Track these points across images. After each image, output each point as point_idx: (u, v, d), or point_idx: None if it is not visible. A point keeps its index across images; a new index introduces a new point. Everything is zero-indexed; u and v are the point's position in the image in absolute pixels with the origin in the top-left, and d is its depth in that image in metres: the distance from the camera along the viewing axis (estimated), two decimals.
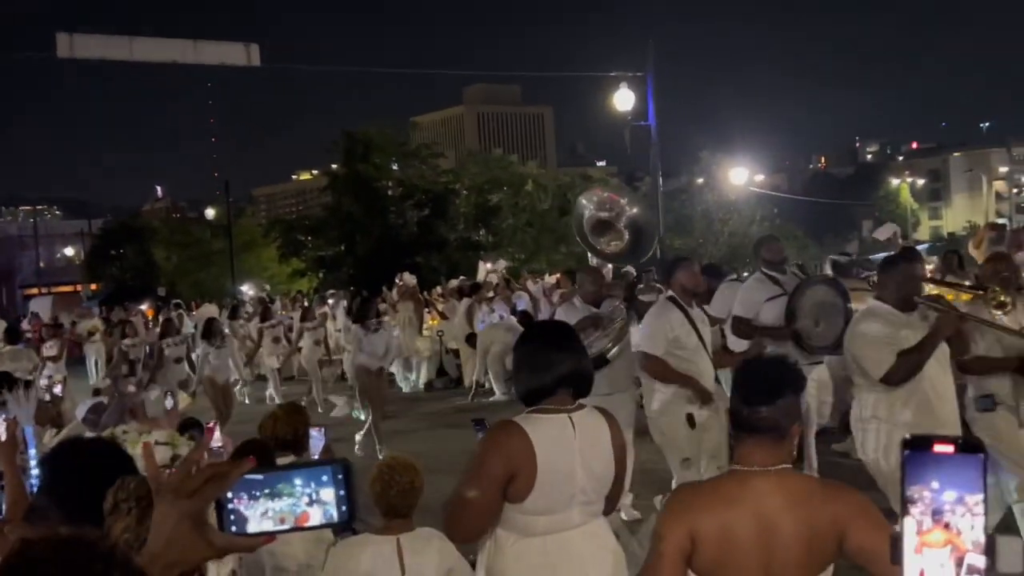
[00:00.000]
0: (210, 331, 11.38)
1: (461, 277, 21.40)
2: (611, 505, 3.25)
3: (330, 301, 20.77)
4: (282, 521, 1.24)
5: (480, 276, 20.62)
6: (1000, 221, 27.02)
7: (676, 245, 31.74)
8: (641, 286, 15.60)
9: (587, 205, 9.30)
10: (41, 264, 62.96)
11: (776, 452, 2.48)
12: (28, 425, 5.21)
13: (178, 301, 25.05)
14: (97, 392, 7.37)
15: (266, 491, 1.23)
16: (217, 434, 4.90)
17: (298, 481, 1.24)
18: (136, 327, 21.20)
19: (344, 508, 1.25)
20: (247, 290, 31.68)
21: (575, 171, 48.52)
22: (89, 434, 6.14)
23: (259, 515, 1.24)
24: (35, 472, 4.64)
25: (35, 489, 4.29)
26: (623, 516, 6.33)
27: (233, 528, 1.24)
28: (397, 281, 19.07)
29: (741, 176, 35.84)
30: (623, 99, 22.29)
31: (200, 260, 42.56)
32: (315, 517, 1.24)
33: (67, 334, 18.89)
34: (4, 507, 3.92)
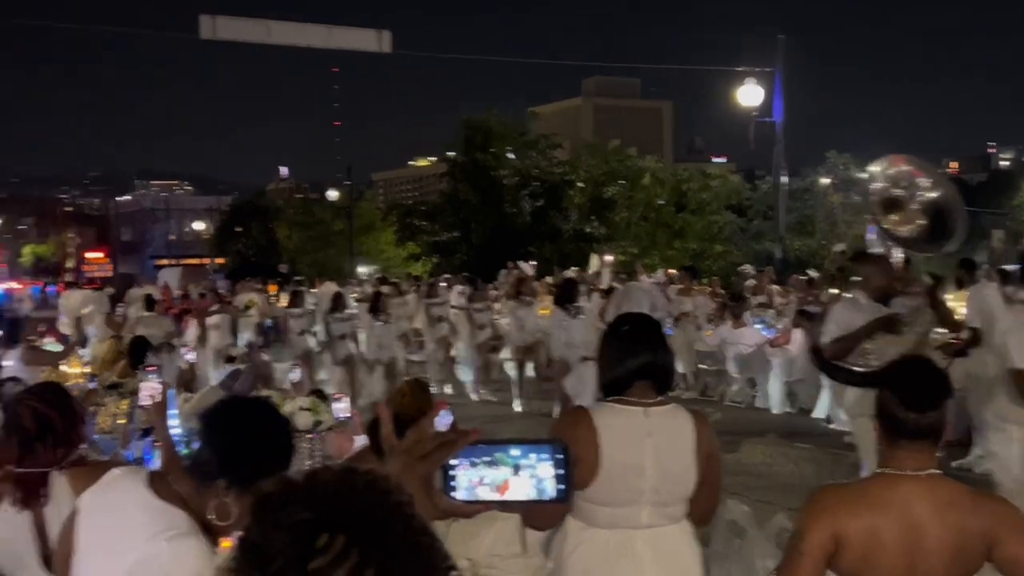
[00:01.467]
0: (376, 306, 11.40)
1: (573, 268, 21.40)
2: (704, 514, 3.16)
3: (442, 285, 21.16)
4: (496, 489, 1.30)
5: (592, 268, 20.61)
6: None
7: (796, 246, 30.93)
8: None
9: (879, 175, 7.64)
10: (172, 237, 65.99)
11: (931, 457, 2.44)
12: (171, 388, 5.54)
13: (300, 278, 25.80)
14: (231, 359, 7.70)
15: (486, 459, 1.29)
16: (346, 403, 5.07)
17: (516, 452, 1.29)
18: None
19: (562, 487, 1.29)
20: (363, 271, 32.42)
21: (693, 166, 47.73)
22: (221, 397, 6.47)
23: (474, 481, 1.30)
24: (177, 430, 4.93)
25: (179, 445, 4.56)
26: None
27: (452, 494, 1.31)
28: (515, 269, 19.24)
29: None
30: (749, 94, 21.89)
31: (320, 240, 43.76)
32: (520, 489, 1.29)
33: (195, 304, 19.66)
34: (159, 459, 4.18)
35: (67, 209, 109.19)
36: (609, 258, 20.97)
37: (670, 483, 3.00)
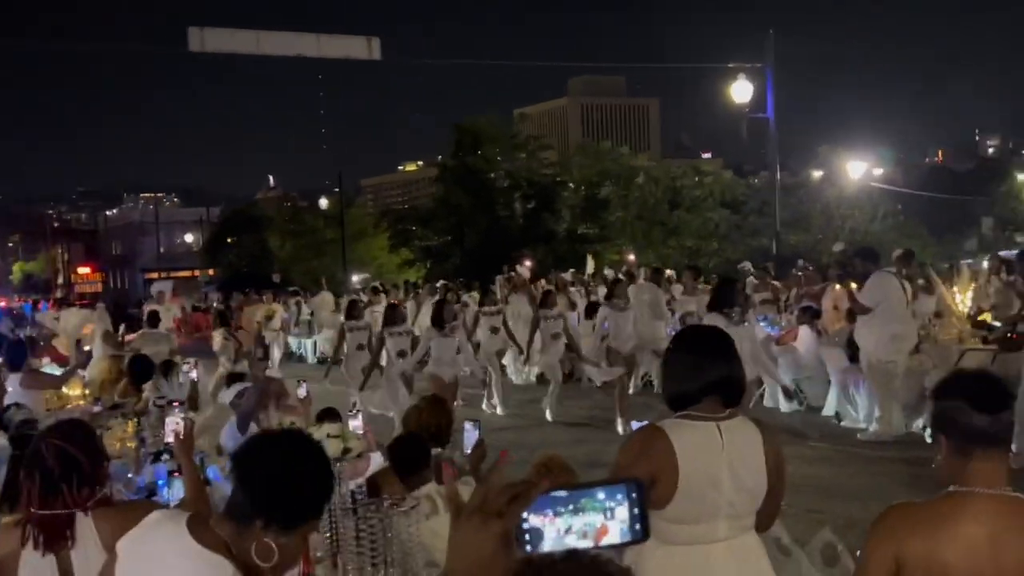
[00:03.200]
0: (441, 317, 10.16)
1: (571, 270, 21.33)
2: (768, 520, 3.14)
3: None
4: (584, 536, 1.23)
5: (589, 269, 20.53)
6: None
7: (793, 241, 30.89)
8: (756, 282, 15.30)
9: None
10: (161, 249, 65.66)
11: (1003, 470, 2.33)
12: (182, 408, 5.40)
13: (295, 288, 25.64)
14: (234, 377, 7.56)
15: (570, 507, 1.23)
16: (360, 419, 4.93)
17: (601, 495, 1.24)
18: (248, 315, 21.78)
19: (638, 526, 1.24)
20: (356, 279, 32.26)
21: (684, 163, 47.74)
22: (233, 418, 6.33)
23: (561, 531, 1.23)
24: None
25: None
26: None
27: (528, 547, 1.24)
28: (512, 271, 19.14)
29: (858, 170, 34.72)
30: (741, 91, 21.82)
31: (313, 248, 43.59)
32: (613, 533, 1.24)
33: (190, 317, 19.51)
34: (179, 489, 4.06)
35: (55, 225, 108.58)
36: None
37: (745, 495, 2.98)
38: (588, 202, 36.82)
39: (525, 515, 1.23)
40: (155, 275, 49.01)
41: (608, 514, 1.23)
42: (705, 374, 2.97)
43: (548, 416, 11.68)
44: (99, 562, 2.76)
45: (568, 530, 1.22)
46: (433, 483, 4.17)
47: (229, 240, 49.87)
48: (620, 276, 15.27)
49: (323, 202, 46.60)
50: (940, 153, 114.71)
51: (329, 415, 5.56)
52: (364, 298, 21.27)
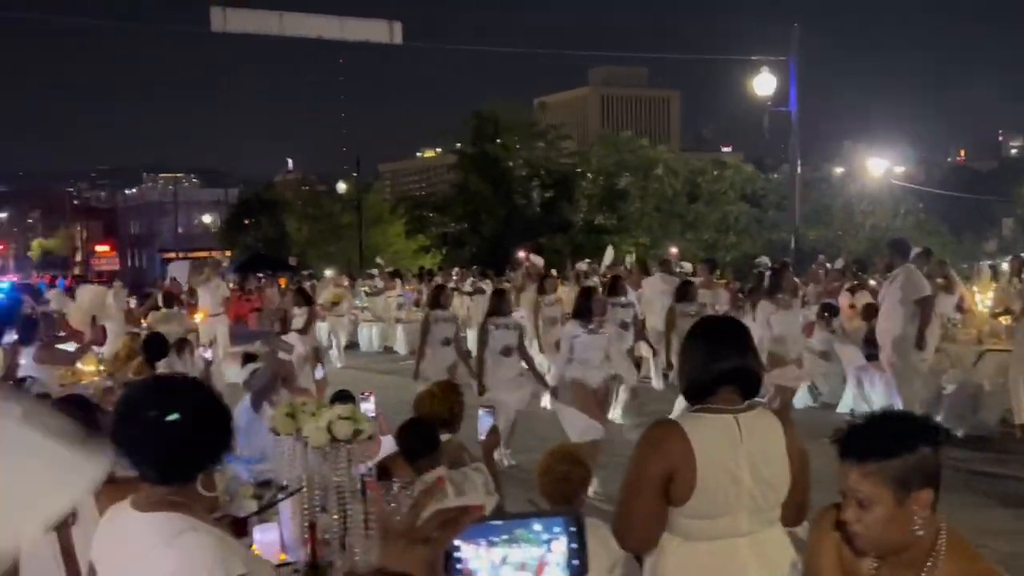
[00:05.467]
0: (588, 308, 7.96)
1: (587, 260, 21.24)
2: (797, 515, 3.07)
3: (454, 277, 21.07)
4: (522, 568, 1.17)
5: (607, 260, 20.43)
6: None
7: (812, 237, 30.67)
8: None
9: None
10: (179, 230, 66.00)
11: None
12: None
13: (311, 271, 25.71)
14: (249, 357, 7.57)
15: (504, 537, 1.17)
16: (372, 402, 4.91)
17: (537, 527, 1.18)
18: (270, 296, 21.85)
19: (576, 561, 1.19)
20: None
21: (706, 156, 47.49)
22: (246, 397, 6.33)
23: (496, 562, 1.17)
24: None
25: None
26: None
27: None
28: (524, 260, 19.08)
29: (879, 167, 34.45)
30: (763, 84, 21.65)
31: (330, 233, 43.68)
32: (551, 569, 1.18)
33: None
34: None
35: (75, 203, 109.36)
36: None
37: (766, 488, 2.92)
38: (606, 192, 36.70)
39: (456, 543, 1.18)
40: (172, 255, 49.28)
41: (546, 547, 1.18)
42: (719, 364, 2.92)
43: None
44: None
45: (504, 560, 1.17)
46: (443, 468, 4.15)
47: (247, 222, 50.02)
48: (626, 268, 15.15)
49: (341, 186, 46.65)
50: (962, 152, 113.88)
51: (342, 398, 5.56)
52: (380, 283, 21.36)
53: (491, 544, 1.17)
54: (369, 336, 19.40)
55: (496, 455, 7.41)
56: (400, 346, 18.29)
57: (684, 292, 11.02)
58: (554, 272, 18.43)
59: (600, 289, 10.39)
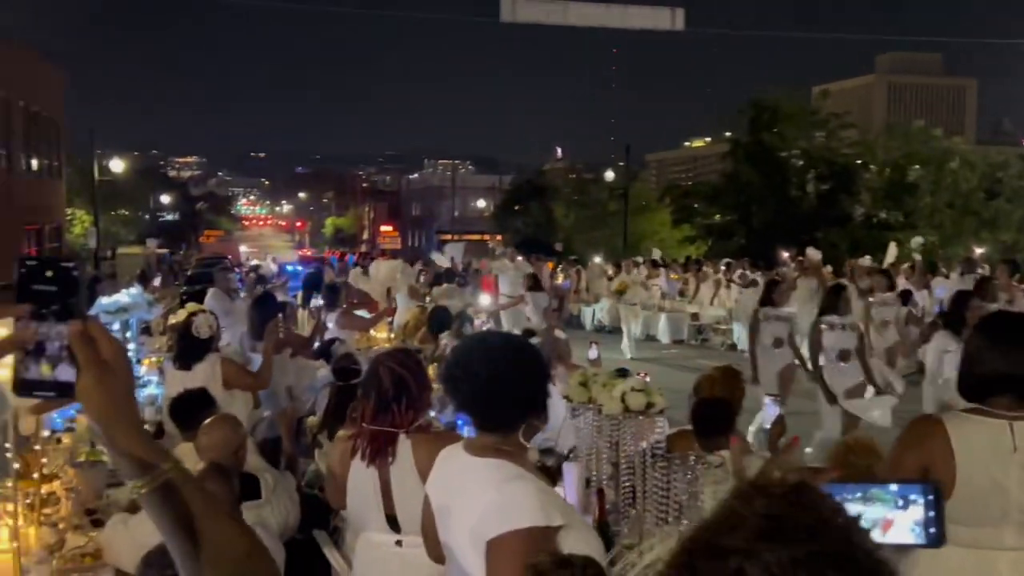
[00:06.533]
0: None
1: (866, 256, 20.04)
2: None
3: (723, 268, 20.62)
4: (872, 526, 1.21)
5: (890, 258, 19.17)
6: None
7: None
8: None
9: None
10: (456, 213, 69.51)
11: None
12: None
13: (575, 257, 26.18)
14: (530, 333, 7.86)
15: (858, 495, 1.24)
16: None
17: (894, 488, 1.24)
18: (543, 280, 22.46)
19: (933, 530, 1.23)
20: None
21: (1008, 150, 43.22)
22: None
23: None
24: None
25: None
26: None
27: None
28: (800, 254, 18.31)
29: None
30: None
31: (595, 220, 44.32)
32: (903, 531, 1.23)
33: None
34: None
35: (364, 185, 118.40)
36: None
37: None
38: (892, 186, 34.35)
39: None
40: (448, 237, 51.99)
41: (900, 508, 1.22)
42: (988, 365, 2.71)
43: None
44: (412, 480, 2.99)
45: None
46: (727, 452, 4.11)
47: (517, 207, 51.84)
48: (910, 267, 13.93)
49: (608, 175, 47.14)
50: None
51: (623, 374, 5.65)
52: (643, 272, 21.32)
53: (844, 501, 1.19)
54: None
55: None
56: (663, 335, 18.28)
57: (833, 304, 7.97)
58: (829, 268, 17.55)
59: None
